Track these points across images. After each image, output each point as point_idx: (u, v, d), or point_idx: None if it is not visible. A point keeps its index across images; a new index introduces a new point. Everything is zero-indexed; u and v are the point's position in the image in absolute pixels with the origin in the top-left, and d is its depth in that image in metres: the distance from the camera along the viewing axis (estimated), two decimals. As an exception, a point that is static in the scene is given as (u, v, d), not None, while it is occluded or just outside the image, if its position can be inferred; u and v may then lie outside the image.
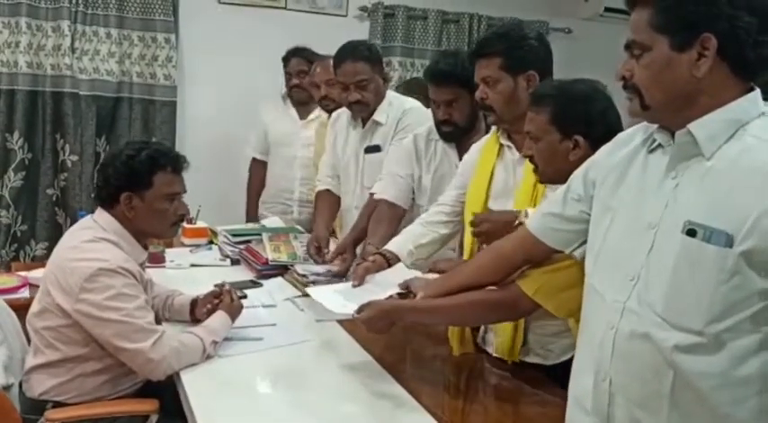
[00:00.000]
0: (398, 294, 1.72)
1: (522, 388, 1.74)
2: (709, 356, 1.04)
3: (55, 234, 3.80)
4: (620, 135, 1.32)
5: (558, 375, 1.62)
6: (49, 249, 3.76)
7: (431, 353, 1.94)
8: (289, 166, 3.43)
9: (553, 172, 1.58)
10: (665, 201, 1.11)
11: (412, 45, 4.37)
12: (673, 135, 1.12)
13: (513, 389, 1.74)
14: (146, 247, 1.93)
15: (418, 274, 1.92)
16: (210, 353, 1.77)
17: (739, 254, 1.01)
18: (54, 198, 3.79)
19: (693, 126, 1.08)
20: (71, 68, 3.66)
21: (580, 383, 1.24)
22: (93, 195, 3.81)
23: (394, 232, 2.24)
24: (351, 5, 4.28)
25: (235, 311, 1.93)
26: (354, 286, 1.87)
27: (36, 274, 2.57)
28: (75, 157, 3.74)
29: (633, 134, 1.26)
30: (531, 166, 1.78)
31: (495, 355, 1.87)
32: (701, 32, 1.05)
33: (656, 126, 1.18)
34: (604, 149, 1.33)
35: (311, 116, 3.43)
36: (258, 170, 3.61)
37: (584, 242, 1.32)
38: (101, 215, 1.85)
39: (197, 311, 2.02)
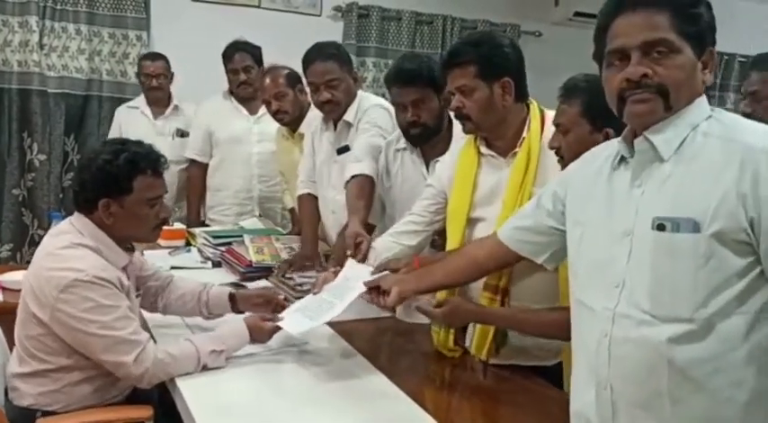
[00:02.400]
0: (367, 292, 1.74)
1: (504, 383, 1.78)
2: (701, 343, 1.09)
3: (21, 235, 3.74)
4: (586, 154, 1.39)
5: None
6: (14, 251, 3.70)
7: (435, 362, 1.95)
8: (245, 164, 3.38)
9: None
10: (634, 208, 1.18)
11: (386, 46, 4.41)
12: (632, 145, 1.20)
13: (494, 384, 1.79)
14: (130, 250, 1.85)
15: (369, 269, 1.91)
16: (208, 363, 1.71)
17: (709, 236, 1.07)
18: (20, 198, 3.71)
19: (651, 133, 1.17)
20: (39, 65, 3.59)
21: (581, 398, 1.26)
22: (60, 196, 3.74)
23: (371, 201, 2.29)
24: (325, 5, 4.28)
25: (258, 334, 1.81)
26: (315, 294, 1.88)
27: (10, 277, 2.52)
28: (43, 157, 3.66)
29: (598, 153, 1.34)
30: (517, 169, 1.82)
31: (475, 355, 1.89)
32: (708, 45, 1.16)
33: (618, 142, 1.25)
34: (572, 167, 1.41)
35: (261, 111, 3.33)
36: (198, 172, 3.48)
37: (553, 252, 1.44)
38: (79, 219, 1.77)
39: (240, 305, 1.99)
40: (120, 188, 1.72)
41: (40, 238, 3.61)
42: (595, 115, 1.56)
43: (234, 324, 1.84)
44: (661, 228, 1.12)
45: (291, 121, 2.92)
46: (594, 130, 1.58)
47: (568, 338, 1.36)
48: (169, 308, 2.05)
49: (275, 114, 2.92)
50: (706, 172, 1.11)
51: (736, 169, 1.07)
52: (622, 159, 1.24)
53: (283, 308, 1.96)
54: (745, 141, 1.09)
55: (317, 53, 2.52)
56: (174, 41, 3.84)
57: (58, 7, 3.64)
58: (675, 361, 1.10)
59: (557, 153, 1.66)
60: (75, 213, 1.78)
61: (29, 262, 3.63)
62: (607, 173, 1.26)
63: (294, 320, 1.79)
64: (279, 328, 1.81)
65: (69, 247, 1.69)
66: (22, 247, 3.74)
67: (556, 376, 1.76)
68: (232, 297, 2.02)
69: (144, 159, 1.75)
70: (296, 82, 2.80)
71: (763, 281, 1.08)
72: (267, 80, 2.90)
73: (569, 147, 1.61)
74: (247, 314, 1.94)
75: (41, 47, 3.60)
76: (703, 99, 1.19)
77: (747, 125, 1.16)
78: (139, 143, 1.79)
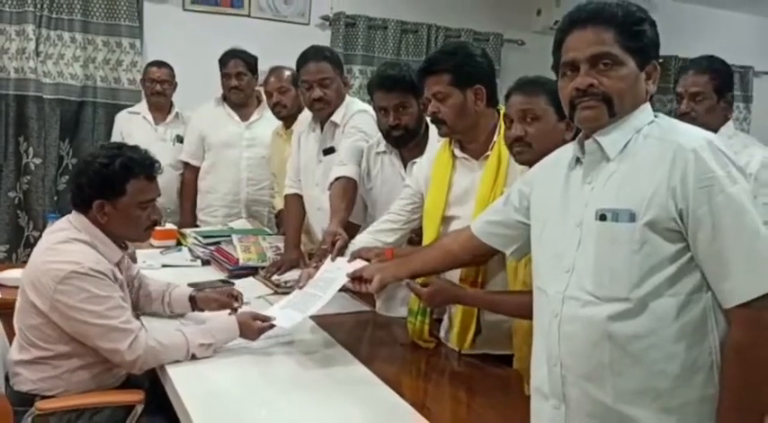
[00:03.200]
0: (351, 281, 1.86)
1: (475, 370, 1.90)
2: (636, 319, 1.22)
3: (16, 237, 3.83)
4: (549, 157, 1.54)
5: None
6: (10, 252, 3.79)
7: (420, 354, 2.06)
8: (235, 168, 3.49)
9: (548, 150, 1.69)
10: (584, 202, 1.31)
11: (372, 53, 4.53)
12: (583, 146, 1.35)
13: (472, 374, 1.89)
14: (123, 247, 1.96)
15: (346, 259, 2.02)
16: (197, 354, 1.81)
17: (643, 225, 1.20)
18: (16, 201, 3.80)
19: (598, 135, 1.31)
20: (35, 72, 3.69)
21: (537, 375, 1.39)
22: (55, 198, 3.83)
23: (353, 202, 2.43)
24: (313, 14, 4.40)
25: (248, 330, 1.90)
26: (300, 288, 1.99)
27: (6, 274, 2.62)
28: (38, 161, 3.76)
29: (558, 156, 1.48)
30: (488, 171, 1.95)
31: (449, 344, 2.02)
32: (652, 59, 1.31)
33: (573, 145, 1.39)
34: (536, 167, 1.56)
35: (252, 117, 3.52)
36: (191, 175, 3.60)
37: (520, 245, 1.57)
38: (76, 217, 1.88)
39: (200, 305, 2.10)
40: (115, 190, 1.83)
41: (36, 239, 3.77)
42: (558, 105, 1.70)
43: (225, 319, 1.95)
44: (603, 218, 1.26)
45: (288, 117, 3.11)
46: (559, 118, 1.72)
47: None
48: (137, 305, 2.15)
49: (275, 106, 3.16)
50: (643, 168, 1.24)
51: (668, 165, 1.21)
52: (578, 160, 1.38)
53: (238, 300, 2.10)
54: (678, 141, 1.22)
55: (313, 54, 2.66)
56: (166, 49, 3.94)
57: (54, 16, 3.73)
58: (615, 336, 1.23)
59: (517, 141, 1.75)
60: (73, 211, 1.89)
61: (24, 262, 3.74)
62: (565, 173, 1.40)
63: (284, 315, 1.90)
64: (268, 328, 1.91)
65: (66, 242, 1.80)
66: (18, 248, 3.83)
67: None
68: (192, 298, 2.14)
69: (138, 164, 1.85)
70: (297, 82, 2.92)
71: (693, 266, 1.21)
72: (272, 76, 3.16)
73: (539, 133, 1.73)
74: (241, 311, 2.04)
75: (38, 54, 3.70)
76: (647, 106, 1.33)
77: (682, 128, 1.29)
78: (135, 148, 1.90)
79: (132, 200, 1.85)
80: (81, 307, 1.73)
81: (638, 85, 1.30)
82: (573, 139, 1.58)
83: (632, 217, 1.22)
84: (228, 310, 2.08)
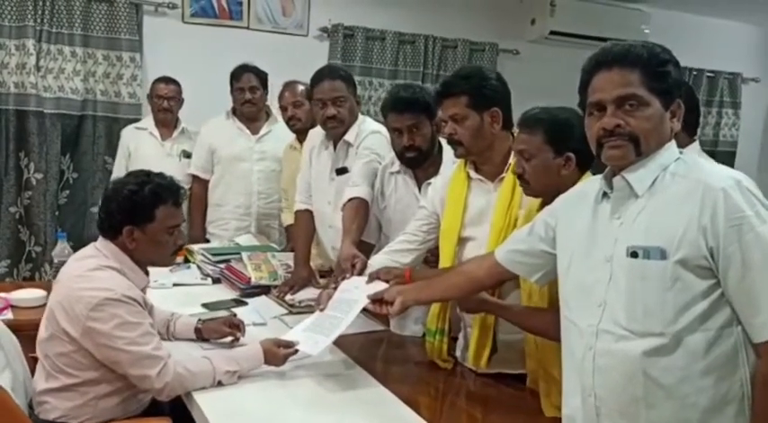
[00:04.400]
0: (371, 303, 1.90)
1: (492, 389, 1.95)
2: (671, 355, 1.26)
3: (17, 252, 3.82)
4: (574, 189, 1.59)
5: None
6: (11, 267, 3.78)
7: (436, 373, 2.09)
8: (246, 181, 3.52)
9: (543, 187, 1.78)
10: (614, 237, 1.36)
11: (370, 64, 4.56)
12: (610, 183, 1.39)
13: (488, 393, 1.94)
14: (147, 273, 2.00)
15: (364, 279, 2.05)
16: (223, 381, 1.84)
17: (674, 262, 1.24)
18: (17, 216, 3.79)
19: (626, 173, 1.35)
20: (36, 87, 3.68)
21: (570, 404, 1.44)
22: (56, 213, 3.82)
23: (365, 222, 2.46)
24: (311, 26, 4.42)
25: (273, 358, 1.93)
26: (321, 310, 2.02)
27: (19, 295, 2.61)
28: (39, 175, 3.75)
29: (583, 189, 1.53)
30: (503, 193, 1.99)
31: (465, 364, 2.06)
32: (675, 98, 1.35)
33: (599, 179, 1.44)
34: (561, 199, 1.60)
35: (263, 131, 3.56)
36: (200, 189, 3.61)
37: (545, 272, 1.60)
38: (104, 244, 1.91)
39: (205, 335, 2.13)
40: (144, 216, 1.86)
41: (37, 254, 3.77)
42: (557, 141, 1.76)
43: (250, 346, 1.98)
44: (634, 255, 1.30)
45: (302, 130, 3.14)
46: (557, 155, 1.77)
47: (556, 339, 1.53)
48: None
49: (289, 120, 3.24)
50: (671, 206, 1.29)
51: (698, 204, 1.25)
52: (605, 195, 1.42)
53: (239, 329, 2.14)
54: (706, 181, 1.27)
55: (328, 72, 2.70)
56: (166, 62, 3.95)
57: (54, 30, 3.72)
58: (649, 371, 1.28)
59: (520, 178, 1.82)
60: (100, 238, 1.92)
61: (25, 278, 3.78)
62: (592, 206, 1.44)
63: (308, 339, 1.93)
64: (293, 354, 1.94)
65: (97, 270, 1.83)
66: (19, 264, 3.82)
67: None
68: (197, 329, 2.17)
69: (166, 190, 1.90)
70: (310, 97, 2.94)
71: (724, 301, 1.25)
72: (287, 91, 3.26)
73: (534, 171, 1.79)
74: (264, 338, 2.04)
75: (38, 69, 3.69)
76: (672, 144, 1.37)
77: (708, 166, 1.34)
78: (162, 175, 1.94)
79: (161, 225, 1.89)
80: (113, 333, 1.75)
81: (664, 125, 1.35)
82: (574, 174, 1.67)
83: (663, 254, 1.26)
84: (231, 339, 2.12)
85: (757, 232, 1.21)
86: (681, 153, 1.36)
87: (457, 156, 2.09)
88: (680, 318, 1.25)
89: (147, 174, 1.93)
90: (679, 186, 1.30)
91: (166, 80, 3.64)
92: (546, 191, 1.78)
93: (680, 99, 1.37)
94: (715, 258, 1.24)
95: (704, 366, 1.25)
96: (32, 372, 1.94)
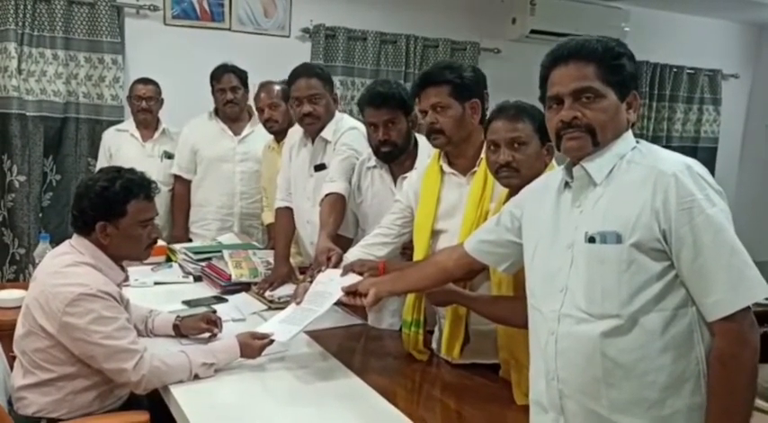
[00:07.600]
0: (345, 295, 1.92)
1: (466, 379, 1.98)
2: (627, 335, 1.30)
3: (1, 255, 3.82)
4: (538, 181, 1.64)
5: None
6: (-6, 270, 3.79)
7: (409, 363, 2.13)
8: (229, 182, 3.55)
9: (533, 175, 1.79)
10: (574, 224, 1.40)
11: (352, 64, 4.58)
12: (571, 172, 1.43)
13: (462, 384, 1.97)
14: (123, 268, 2.01)
15: (339, 271, 2.08)
16: (200, 373, 1.87)
17: (629, 246, 1.29)
18: (1, 218, 3.79)
19: (585, 162, 1.39)
20: (18, 90, 3.68)
21: (536, 388, 1.48)
22: (40, 215, 3.83)
23: (341, 217, 2.50)
24: (293, 27, 4.44)
25: (248, 350, 1.97)
26: (298, 303, 2.05)
27: (3, 295, 2.62)
28: (22, 178, 3.75)
29: (547, 180, 1.58)
30: (475, 187, 2.03)
31: (441, 355, 2.09)
32: (631, 90, 1.39)
33: (561, 170, 1.48)
34: (526, 190, 1.65)
35: (245, 132, 3.58)
36: (183, 189, 3.64)
37: (512, 262, 1.65)
38: (78, 240, 1.93)
39: (183, 331, 2.16)
40: (116, 211, 1.89)
41: (21, 256, 3.78)
42: (543, 130, 1.79)
43: (226, 340, 2.01)
44: (592, 240, 1.35)
45: (280, 131, 3.18)
46: (541, 144, 1.83)
47: (522, 326, 1.57)
48: None
49: (266, 122, 3.25)
50: (627, 192, 1.33)
51: (651, 189, 1.30)
52: (566, 185, 1.46)
53: (217, 325, 2.17)
54: (659, 167, 1.31)
55: (303, 70, 2.74)
56: (148, 64, 3.96)
57: (36, 33, 3.73)
58: (608, 351, 1.32)
59: (507, 167, 1.84)
60: (74, 235, 1.94)
61: (9, 280, 3.77)
62: (555, 196, 1.48)
63: (282, 329, 1.97)
64: (268, 344, 1.98)
65: (73, 266, 1.85)
66: (3, 266, 3.82)
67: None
68: (176, 326, 2.20)
69: (137, 185, 1.92)
70: (288, 97, 2.98)
71: (678, 283, 1.29)
72: (263, 92, 3.25)
73: (526, 159, 1.83)
74: (240, 331, 2.07)
75: (20, 72, 3.69)
76: (629, 133, 1.42)
77: (662, 153, 1.39)
78: (132, 170, 1.96)
79: (133, 219, 1.91)
80: (89, 328, 1.77)
81: (620, 116, 1.39)
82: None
83: (619, 238, 1.31)
84: (208, 335, 2.15)
85: (707, 214, 1.25)
86: (637, 142, 1.41)
87: (436, 145, 2.12)
88: (635, 299, 1.29)
89: (118, 170, 1.96)
90: (634, 173, 1.34)
91: (144, 81, 3.65)
92: (531, 180, 1.76)
93: (635, 90, 1.41)
94: (668, 241, 1.28)
95: (661, 345, 1.29)
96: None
